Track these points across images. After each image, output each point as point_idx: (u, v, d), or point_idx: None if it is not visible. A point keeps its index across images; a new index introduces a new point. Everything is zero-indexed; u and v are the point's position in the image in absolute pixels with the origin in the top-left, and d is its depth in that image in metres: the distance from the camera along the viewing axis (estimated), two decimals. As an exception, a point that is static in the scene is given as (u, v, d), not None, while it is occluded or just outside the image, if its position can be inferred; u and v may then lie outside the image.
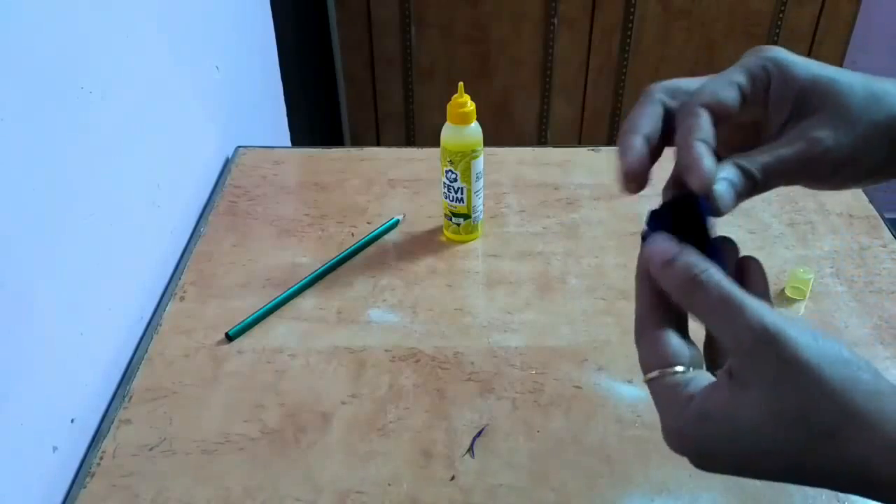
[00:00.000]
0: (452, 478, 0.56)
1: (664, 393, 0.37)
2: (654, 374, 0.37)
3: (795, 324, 0.33)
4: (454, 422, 0.60)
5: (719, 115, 0.39)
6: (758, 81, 0.40)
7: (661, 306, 0.38)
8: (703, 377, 0.37)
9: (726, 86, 0.40)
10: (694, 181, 0.39)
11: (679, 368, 0.37)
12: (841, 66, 1.80)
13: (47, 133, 0.55)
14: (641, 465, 0.57)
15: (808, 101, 0.40)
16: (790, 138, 0.39)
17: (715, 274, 0.35)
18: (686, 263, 0.36)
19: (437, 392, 0.62)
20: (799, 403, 0.32)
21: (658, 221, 0.41)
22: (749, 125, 0.42)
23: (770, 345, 0.33)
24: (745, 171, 0.39)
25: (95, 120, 0.62)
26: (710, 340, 0.39)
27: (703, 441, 0.35)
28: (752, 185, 0.39)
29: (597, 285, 0.73)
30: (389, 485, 0.55)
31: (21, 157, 0.52)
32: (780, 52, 0.41)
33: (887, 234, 0.79)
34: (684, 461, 0.55)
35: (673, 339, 0.37)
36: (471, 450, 0.58)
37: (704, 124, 0.39)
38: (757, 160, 0.39)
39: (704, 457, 0.36)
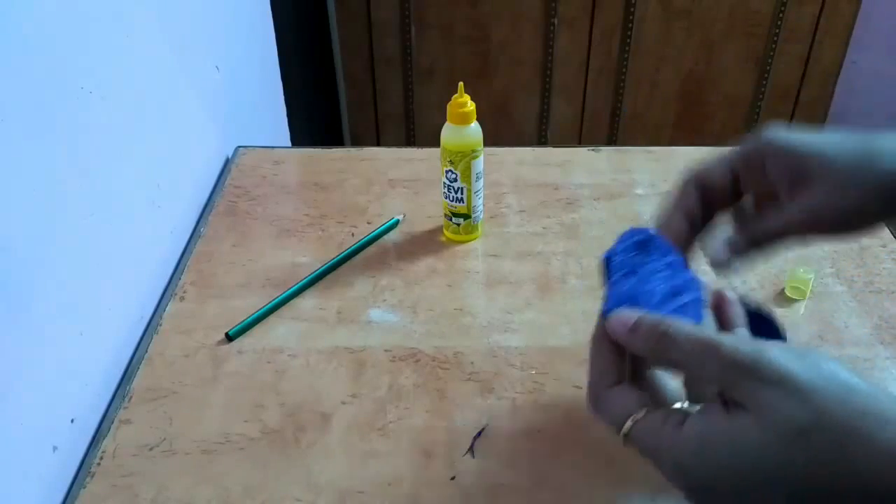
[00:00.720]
0: (452, 478, 0.56)
1: (648, 435, 0.38)
2: (629, 424, 0.39)
3: (774, 346, 0.34)
4: (454, 422, 0.60)
5: (707, 190, 0.47)
6: (752, 159, 0.46)
7: (612, 370, 0.40)
8: (678, 410, 0.38)
9: (716, 166, 0.47)
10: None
11: (642, 413, 0.38)
12: (841, 66, 1.80)
13: (47, 133, 0.55)
14: (641, 465, 0.56)
15: (802, 172, 0.44)
16: (789, 209, 0.45)
17: (682, 325, 0.37)
18: (652, 323, 0.38)
19: (437, 392, 0.62)
20: (797, 421, 0.33)
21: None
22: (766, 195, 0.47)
23: (757, 370, 0.34)
24: (702, 201, 0.47)
25: (95, 120, 0.62)
26: (689, 381, 0.41)
27: (704, 469, 0.36)
28: (747, 245, 0.46)
29: (597, 285, 0.73)
30: (389, 485, 0.55)
31: (21, 157, 0.52)
32: (777, 133, 0.46)
33: (887, 234, 0.79)
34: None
35: (632, 391, 0.39)
36: (471, 450, 0.58)
37: (687, 197, 0.47)
38: (762, 224, 0.46)
39: (707, 489, 0.36)
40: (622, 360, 0.40)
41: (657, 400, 0.40)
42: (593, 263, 0.76)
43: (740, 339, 0.35)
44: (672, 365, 0.38)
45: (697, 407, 0.37)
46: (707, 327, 0.42)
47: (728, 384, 0.35)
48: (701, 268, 0.49)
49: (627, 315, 0.40)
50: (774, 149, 0.45)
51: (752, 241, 0.46)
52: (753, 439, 0.33)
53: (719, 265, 0.48)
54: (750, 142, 0.46)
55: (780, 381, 0.33)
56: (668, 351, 0.37)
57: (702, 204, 0.47)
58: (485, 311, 0.70)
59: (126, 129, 0.68)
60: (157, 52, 0.76)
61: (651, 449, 0.38)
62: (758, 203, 0.48)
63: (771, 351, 0.34)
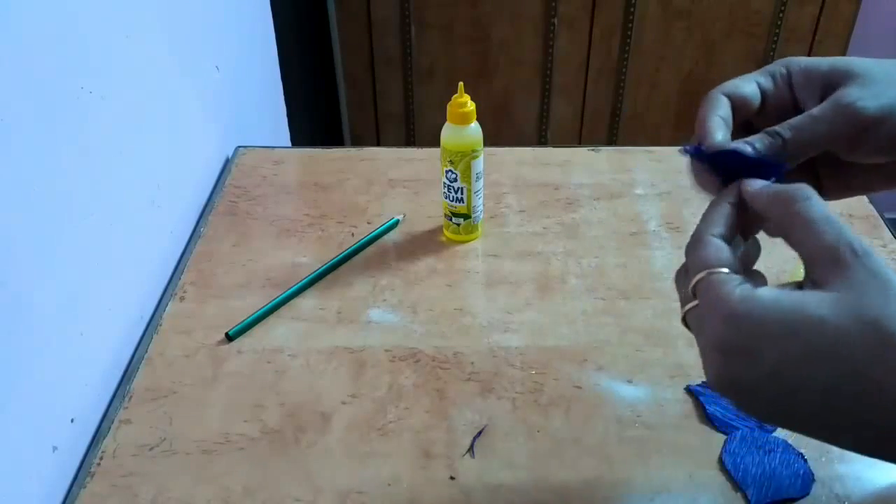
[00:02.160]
0: (452, 478, 0.56)
1: (716, 286, 0.36)
2: (702, 274, 0.37)
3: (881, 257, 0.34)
4: (454, 422, 0.60)
5: (737, 105, 0.44)
6: (778, 78, 0.45)
7: (721, 223, 0.40)
8: (758, 275, 0.38)
9: (746, 81, 0.45)
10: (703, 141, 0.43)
11: (726, 270, 0.37)
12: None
13: (47, 133, 0.55)
14: (641, 465, 0.57)
15: (833, 82, 0.43)
16: (821, 105, 0.43)
17: (815, 195, 0.37)
18: (796, 185, 0.38)
19: (437, 392, 0.62)
20: (880, 310, 0.32)
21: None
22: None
23: (866, 258, 0.34)
24: (770, 134, 0.42)
25: (95, 120, 0.62)
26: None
27: (757, 327, 0.34)
28: (782, 145, 0.42)
29: (597, 285, 0.73)
30: (389, 485, 0.55)
31: (21, 158, 0.52)
32: (799, 58, 0.45)
33: (887, 234, 0.79)
34: (684, 461, 0.55)
35: (728, 250, 0.38)
36: (471, 450, 0.58)
37: (722, 105, 0.44)
38: (787, 122, 0.43)
39: (748, 352, 0.34)
40: (732, 221, 0.40)
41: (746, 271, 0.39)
42: (593, 263, 0.76)
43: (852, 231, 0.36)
44: (790, 227, 0.37)
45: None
46: None
47: (832, 258, 0.35)
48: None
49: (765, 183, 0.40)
50: (802, 67, 0.44)
51: (771, 136, 0.43)
52: (826, 311, 0.33)
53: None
54: (773, 64, 0.45)
55: (877, 273, 0.33)
56: (798, 209, 0.37)
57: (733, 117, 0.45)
58: (485, 311, 0.70)
59: (126, 129, 0.68)
60: (157, 52, 0.76)
61: (712, 299, 0.36)
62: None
63: (877, 254, 0.34)
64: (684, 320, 0.39)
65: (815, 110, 0.42)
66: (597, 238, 0.79)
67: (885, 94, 0.42)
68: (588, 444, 0.58)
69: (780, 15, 1.61)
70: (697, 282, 0.37)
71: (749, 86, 0.45)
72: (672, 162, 0.91)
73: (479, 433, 0.59)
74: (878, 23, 1.73)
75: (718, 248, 0.38)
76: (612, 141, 1.80)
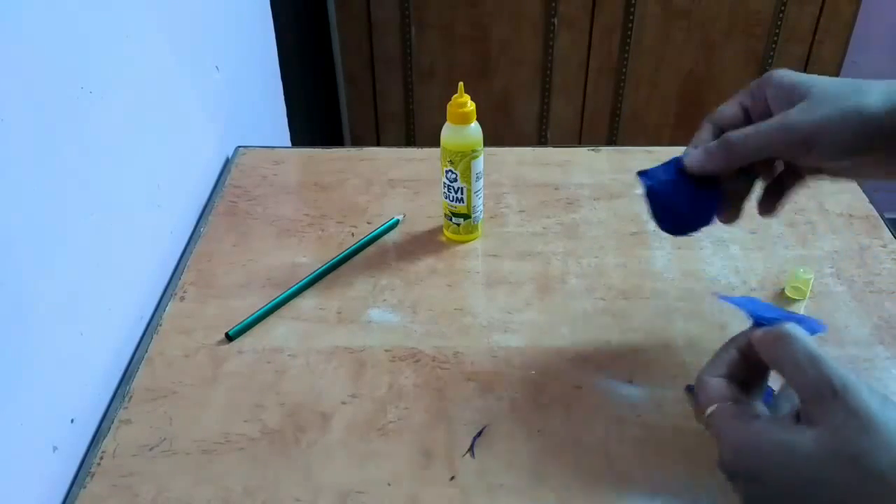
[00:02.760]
0: (452, 478, 0.56)
1: (723, 418, 0.43)
2: (713, 407, 0.43)
3: (867, 386, 0.39)
4: (454, 422, 0.60)
5: (724, 125, 0.54)
6: (756, 92, 0.53)
7: (724, 365, 0.46)
8: (755, 408, 0.44)
9: (729, 104, 0.54)
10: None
11: (728, 404, 0.43)
12: (841, 65, 1.79)
13: (47, 133, 0.55)
14: (641, 465, 0.57)
15: (793, 99, 0.51)
16: (770, 119, 0.51)
17: (803, 334, 0.42)
18: (782, 326, 0.43)
19: (437, 392, 0.62)
20: (857, 447, 0.37)
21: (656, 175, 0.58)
22: None
23: (845, 396, 0.38)
24: (721, 143, 0.52)
25: (96, 120, 0.63)
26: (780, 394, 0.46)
27: (757, 459, 0.40)
28: (728, 147, 0.52)
29: (597, 285, 0.73)
30: (389, 485, 0.55)
31: (21, 157, 0.52)
32: (781, 71, 0.52)
33: (887, 234, 0.79)
34: (684, 461, 0.55)
35: (729, 386, 0.45)
36: (471, 450, 0.58)
37: (704, 131, 0.55)
38: (739, 130, 0.52)
39: (754, 478, 0.40)
40: (738, 362, 0.46)
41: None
42: (593, 263, 0.76)
43: (843, 369, 0.40)
44: (780, 365, 0.42)
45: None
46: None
47: (813, 396, 0.39)
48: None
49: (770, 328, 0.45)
50: (775, 80, 0.52)
51: (731, 154, 0.52)
52: (809, 448, 0.38)
53: (690, 161, 0.55)
54: (757, 81, 0.53)
55: (856, 411, 0.37)
56: (785, 350, 0.42)
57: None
58: (485, 311, 0.70)
59: (126, 129, 0.68)
60: (157, 52, 0.76)
61: (720, 430, 0.42)
62: None
63: (861, 385, 0.39)
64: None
65: (764, 123, 0.51)
66: (597, 238, 0.79)
67: (820, 111, 0.48)
68: (588, 444, 0.58)
69: (780, 15, 1.62)
70: (709, 415, 0.44)
71: (731, 108, 0.54)
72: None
73: (479, 433, 0.59)
74: (878, 23, 1.74)
75: (720, 386, 0.45)
76: (612, 141, 1.80)
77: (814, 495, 0.38)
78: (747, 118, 0.53)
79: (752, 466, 0.40)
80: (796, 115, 0.49)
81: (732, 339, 0.47)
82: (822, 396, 0.39)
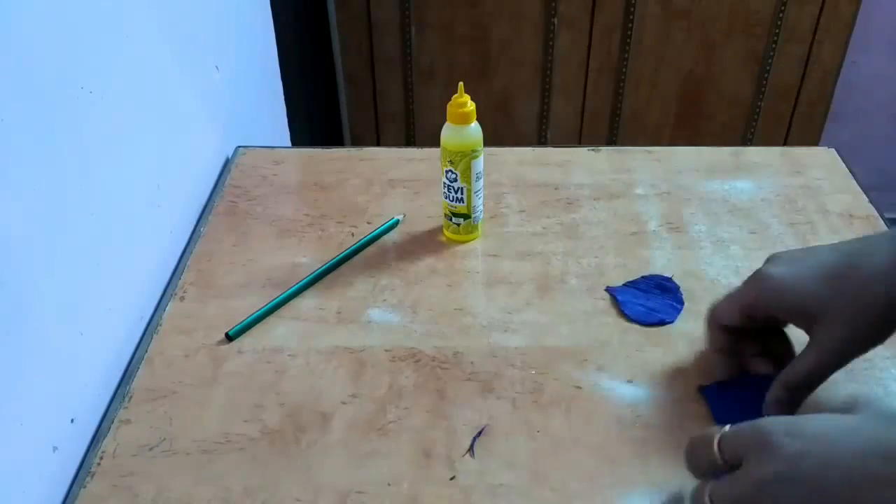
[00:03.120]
0: (452, 478, 0.56)
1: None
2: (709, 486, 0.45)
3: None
4: (454, 422, 0.60)
5: (728, 327, 0.59)
6: (756, 308, 0.57)
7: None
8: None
9: (727, 309, 0.59)
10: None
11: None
12: (841, 66, 1.79)
13: (47, 133, 0.55)
14: (641, 465, 0.57)
15: (806, 314, 0.54)
16: (810, 350, 0.54)
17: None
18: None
19: (437, 392, 0.62)
20: (771, 472, 0.41)
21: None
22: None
23: (770, 435, 0.42)
24: (785, 385, 0.55)
25: (96, 120, 0.62)
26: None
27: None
28: (799, 396, 0.55)
29: (597, 285, 0.73)
30: (389, 485, 0.55)
31: (21, 157, 0.52)
32: (768, 277, 0.56)
33: (887, 234, 0.79)
34: (684, 461, 0.55)
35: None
36: (471, 450, 0.58)
37: (718, 339, 0.61)
38: (796, 371, 0.54)
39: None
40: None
41: None
42: (593, 263, 0.76)
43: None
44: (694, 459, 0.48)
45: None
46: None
47: (752, 447, 0.43)
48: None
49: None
50: (771, 296, 0.55)
51: (802, 397, 0.55)
52: (749, 480, 0.42)
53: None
54: (748, 288, 0.57)
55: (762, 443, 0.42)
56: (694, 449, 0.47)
57: (729, 338, 0.60)
58: (485, 311, 0.70)
59: (126, 129, 0.68)
60: (157, 52, 0.76)
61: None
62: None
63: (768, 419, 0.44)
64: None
65: (808, 357, 0.53)
66: (597, 238, 0.79)
67: (845, 323, 0.52)
68: (588, 444, 0.58)
69: (780, 15, 1.61)
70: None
71: (732, 314, 0.59)
72: (672, 162, 0.91)
73: (479, 433, 0.59)
74: (878, 23, 1.73)
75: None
76: (612, 141, 1.80)
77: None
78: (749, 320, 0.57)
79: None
80: (831, 337, 0.52)
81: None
82: (757, 443, 0.42)
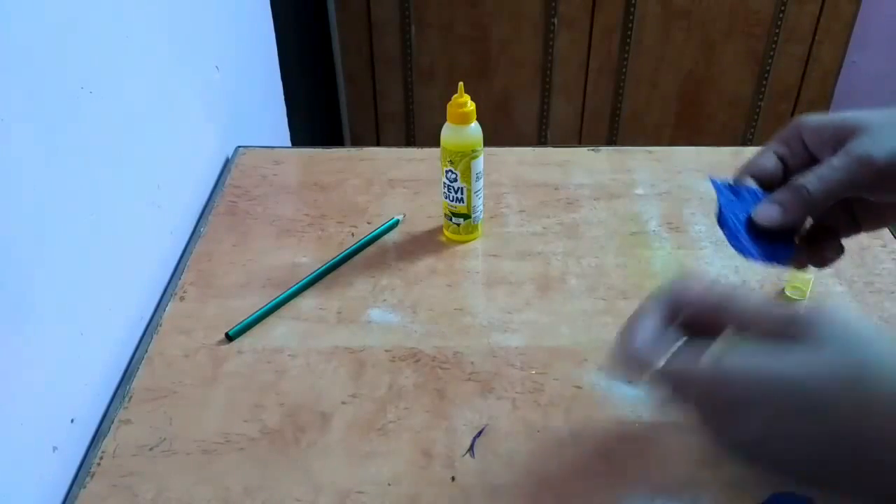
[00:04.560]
0: (452, 478, 0.56)
1: (681, 365, 0.40)
2: (670, 364, 0.41)
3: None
4: (454, 422, 0.60)
5: (763, 180, 0.49)
6: (792, 142, 0.49)
7: (658, 320, 0.43)
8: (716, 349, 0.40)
9: (765, 157, 0.50)
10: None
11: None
12: (841, 66, 1.80)
13: (47, 133, 0.55)
14: (641, 465, 0.57)
15: (842, 136, 0.46)
16: (836, 156, 0.46)
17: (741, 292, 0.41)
18: (728, 286, 0.42)
19: (437, 392, 0.62)
20: (829, 357, 0.35)
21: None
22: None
23: (831, 314, 0.37)
24: (795, 188, 0.47)
25: (96, 120, 0.62)
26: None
27: (740, 386, 0.37)
28: (808, 197, 0.46)
29: (597, 285, 0.73)
30: (389, 485, 0.55)
31: (21, 157, 0.52)
32: (812, 116, 0.49)
33: (887, 234, 0.79)
34: (684, 461, 0.55)
35: (669, 336, 0.42)
36: (471, 450, 0.58)
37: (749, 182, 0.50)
38: (810, 173, 0.47)
39: (738, 406, 0.37)
40: (667, 321, 0.43)
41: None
42: (593, 263, 0.76)
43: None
44: (736, 317, 0.41)
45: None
46: None
47: (796, 323, 0.38)
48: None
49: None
50: (813, 124, 0.48)
51: (808, 202, 0.47)
52: (802, 372, 0.36)
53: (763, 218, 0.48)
54: (785, 130, 0.49)
55: (850, 326, 0.36)
56: (735, 304, 0.41)
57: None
58: (485, 311, 0.70)
59: (126, 129, 0.68)
60: (157, 52, 0.76)
61: (682, 382, 0.41)
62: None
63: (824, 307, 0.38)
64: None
65: (834, 160, 0.46)
66: (597, 238, 0.79)
67: (889, 139, 0.45)
68: (588, 444, 0.58)
69: (780, 15, 1.62)
70: (663, 370, 0.42)
71: (768, 159, 0.49)
72: (672, 162, 0.91)
73: (479, 433, 0.59)
74: (878, 23, 1.74)
75: (663, 337, 0.43)
76: (612, 141, 1.80)
77: (810, 426, 0.36)
78: (786, 168, 0.50)
79: (735, 393, 0.38)
80: (866, 146, 0.45)
81: (649, 307, 0.44)
82: (808, 318, 0.37)
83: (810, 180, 0.46)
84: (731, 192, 0.50)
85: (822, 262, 0.50)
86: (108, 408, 0.63)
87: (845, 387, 0.35)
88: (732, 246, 0.48)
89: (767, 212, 0.47)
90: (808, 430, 0.36)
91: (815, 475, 0.37)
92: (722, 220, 0.49)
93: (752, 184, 0.49)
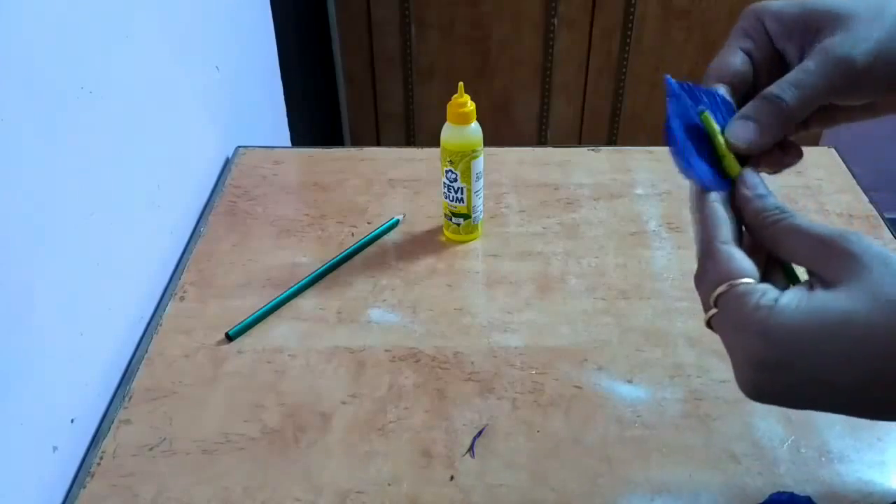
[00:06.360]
0: (452, 478, 0.56)
1: (737, 302, 0.36)
2: (724, 287, 0.36)
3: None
4: (454, 422, 0.60)
5: (734, 82, 0.43)
6: (755, 33, 0.43)
7: (726, 227, 0.38)
8: (776, 291, 0.36)
9: (732, 55, 0.43)
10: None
11: (749, 280, 0.36)
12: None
13: (47, 133, 0.55)
14: (641, 465, 0.57)
15: (812, 25, 0.41)
16: (811, 58, 0.40)
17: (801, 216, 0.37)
18: (782, 205, 0.38)
19: (437, 392, 0.62)
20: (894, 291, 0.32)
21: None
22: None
23: (864, 244, 0.34)
24: (769, 99, 0.40)
25: (95, 120, 0.62)
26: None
27: (786, 343, 0.34)
28: (786, 109, 0.40)
29: (597, 285, 0.73)
30: (389, 485, 0.55)
31: (21, 157, 0.52)
32: (767, 4, 0.43)
33: (887, 234, 0.79)
34: (684, 461, 0.55)
35: (741, 255, 0.37)
36: (471, 450, 0.58)
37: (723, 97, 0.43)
38: (784, 81, 0.40)
39: (786, 365, 0.34)
40: (734, 222, 0.39)
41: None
42: (593, 263, 0.76)
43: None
44: (780, 243, 0.37)
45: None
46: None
47: (834, 255, 0.34)
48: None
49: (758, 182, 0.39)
50: (772, 10, 0.42)
51: (786, 118, 0.40)
52: (847, 308, 0.33)
53: (737, 137, 0.41)
54: (744, 21, 0.44)
55: (883, 257, 0.33)
56: (783, 228, 0.37)
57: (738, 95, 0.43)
58: (485, 311, 0.70)
59: (126, 129, 0.68)
60: (157, 52, 0.76)
61: (739, 315, 0.36)
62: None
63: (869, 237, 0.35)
64: (708, 324, 0.38)
65: (810, 63, 0.40)
66: (597, 238, 0.79)
67: (872, 36, 0.39)
68: (588, 444, 0.58)
69: (780, 15, 1.61)
70: (719, 295, 0.36)
71: (736, 58, 0.43)
72: (672, 162, 0.90)
73: (479, 433, 0.59)
74: (878, 23, 1.73)
75: (731, 257, 0.37)
76: (612, 141, 1.80)
77: (856, 363, 0.33)
78: (754, 66, 0.44)
79: (784, 351, 0.34)
80: (846, 46, 0.39)
81: (706, 200, 0.40)
82: (843, 249, 0.34)
83: (785, 89, 0.40)
84: (690, 96, 0.43)
85: (779, 166, 0.43)
86: (108, 408, 0.63)
87: (888, 316, 0.32)
88: (677, 165, 0.42)
89: (742, 131, 0.41)
90: (853, 368, 0.33)
91: (853, 406, 0.35)
92: (669, 134, 0.42)
93: (723, 90, 0.43)
